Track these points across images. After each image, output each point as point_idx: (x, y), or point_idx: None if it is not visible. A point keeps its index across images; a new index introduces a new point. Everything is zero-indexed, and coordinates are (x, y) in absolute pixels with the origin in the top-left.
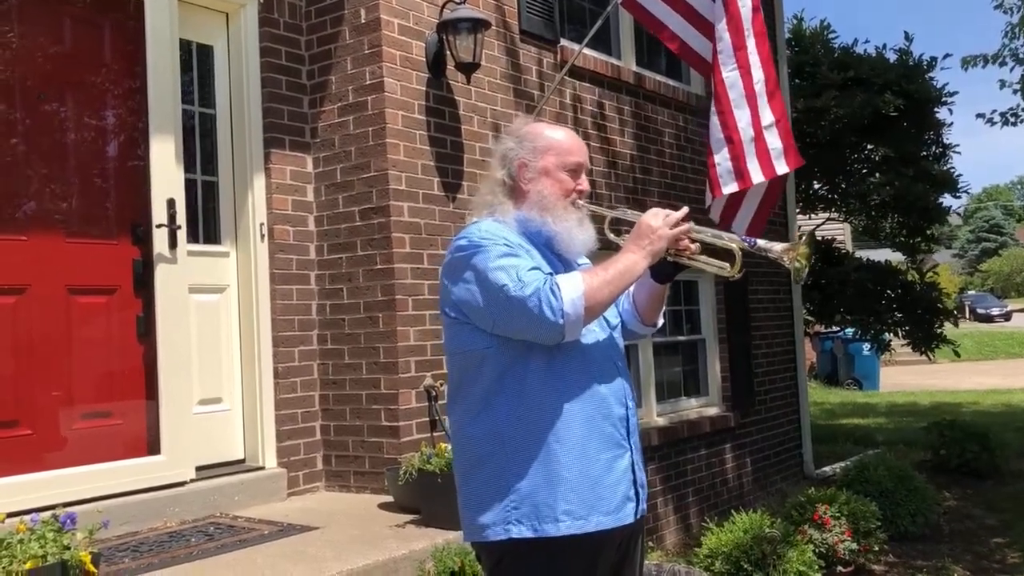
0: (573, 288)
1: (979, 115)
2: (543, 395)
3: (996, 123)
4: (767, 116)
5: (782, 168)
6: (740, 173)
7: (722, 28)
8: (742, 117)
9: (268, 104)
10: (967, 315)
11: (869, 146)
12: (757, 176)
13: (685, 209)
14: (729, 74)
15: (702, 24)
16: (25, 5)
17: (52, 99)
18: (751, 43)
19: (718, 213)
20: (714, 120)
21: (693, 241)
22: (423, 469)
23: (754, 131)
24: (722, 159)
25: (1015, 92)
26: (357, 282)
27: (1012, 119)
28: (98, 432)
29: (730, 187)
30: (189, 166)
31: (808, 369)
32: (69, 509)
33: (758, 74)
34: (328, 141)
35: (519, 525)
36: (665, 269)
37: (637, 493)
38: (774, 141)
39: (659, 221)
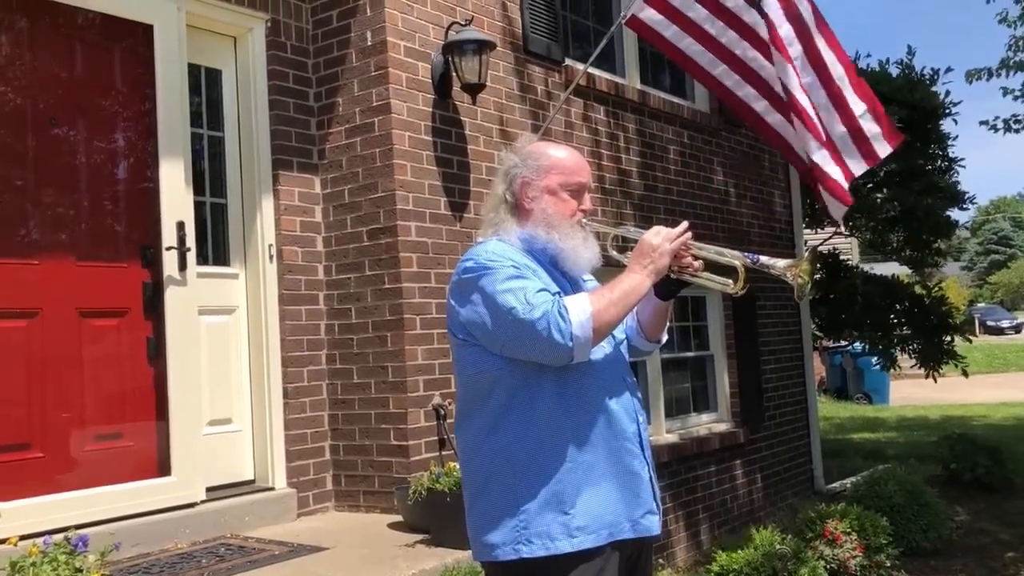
0: (581, 310)
1: (982, 122)
2: (554, 415)
3: (999, 130)
4: (859, 106)
5: (884, 150)
6: (844, 173)
7: (790, 34)
8: (830, 120)
9: (276, 126)
10: (977, 328)
11: None
12: (859, 167)
13: (684, 224)
14: (808, 79)
15: (707, 39)
16: (36, 31)
17: (63, 123)
18: (820, 42)
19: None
20: (803, 133)
21: (696, 258)
22: (432, 488)
23: (846, 127)
24: (830, 168)
25: (1016, 99)
26: (365, 302)
27: (1015, 126)
28: (109, 454)
29: (845, 187)
30: (198, 188)
31: (817, 384)
32: (81, 531)
33: (837, 70)
34: (336, 162)
35: (529, 545)
36: (669, 286)
37: (658, 506)
38: (871, 127)
39: (659, 239)
